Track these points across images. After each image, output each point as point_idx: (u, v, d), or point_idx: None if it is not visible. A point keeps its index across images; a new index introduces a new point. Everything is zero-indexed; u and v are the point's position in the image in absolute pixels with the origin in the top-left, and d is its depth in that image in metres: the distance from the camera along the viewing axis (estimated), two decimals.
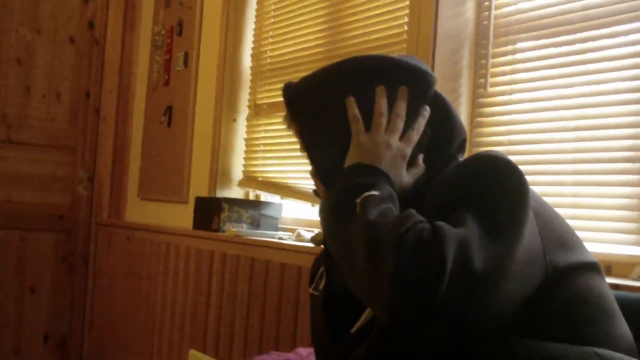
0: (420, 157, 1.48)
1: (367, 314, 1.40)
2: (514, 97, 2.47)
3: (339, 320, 1.49)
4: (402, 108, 1.47)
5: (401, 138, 1.46)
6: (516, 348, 1.18)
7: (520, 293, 1.23)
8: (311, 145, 1.54)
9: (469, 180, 1.30)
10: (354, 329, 1.42)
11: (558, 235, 1.34)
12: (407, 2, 2.83)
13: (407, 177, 1.45)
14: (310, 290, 1.61)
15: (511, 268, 1.19)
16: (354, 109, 1.46)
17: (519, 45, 2.50)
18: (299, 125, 1.54)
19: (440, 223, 1.18)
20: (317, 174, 1.54)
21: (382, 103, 1.46)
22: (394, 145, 1.45)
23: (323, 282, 1.56)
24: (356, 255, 1.22)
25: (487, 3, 2.61)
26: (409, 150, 1.46)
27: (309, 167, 1.58)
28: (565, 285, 1.30)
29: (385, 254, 1.16)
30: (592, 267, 1.37)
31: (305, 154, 1.56)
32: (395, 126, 1.46)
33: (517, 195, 1.26)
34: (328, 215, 1.37)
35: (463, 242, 1.14)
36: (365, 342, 1.36)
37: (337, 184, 1.39)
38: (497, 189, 1.27)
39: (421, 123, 1.48)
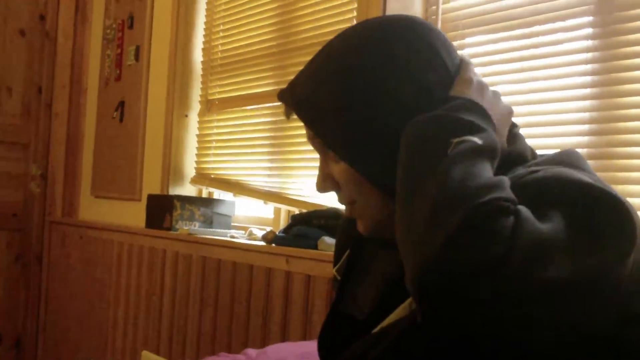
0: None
1: (393, 316, 1.19)
2: None
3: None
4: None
5: None
6: None
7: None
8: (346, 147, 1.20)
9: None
10: (376, 330, 1.20)
11: None
12: None
13: (505, 146, 1.20)
14: (334, 271, 1.42)
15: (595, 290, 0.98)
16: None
17: (467, 40, 2.46)
18: (322, 134, 1.22)
19: (527, 213, 0.97)
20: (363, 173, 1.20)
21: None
22: (502, 104, 1.25)
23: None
24: (424, 199, 1.02)
25: None
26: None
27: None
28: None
29: (453, 212, 0.96)
30: None
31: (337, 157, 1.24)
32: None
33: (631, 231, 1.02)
34: (412, 141, 1.11)
35: (545, 244, 0.95)
36: (383, 342, 1.16)
37: (434, 111, 1.13)
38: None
39: None
